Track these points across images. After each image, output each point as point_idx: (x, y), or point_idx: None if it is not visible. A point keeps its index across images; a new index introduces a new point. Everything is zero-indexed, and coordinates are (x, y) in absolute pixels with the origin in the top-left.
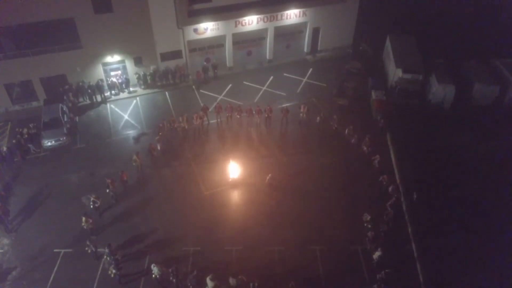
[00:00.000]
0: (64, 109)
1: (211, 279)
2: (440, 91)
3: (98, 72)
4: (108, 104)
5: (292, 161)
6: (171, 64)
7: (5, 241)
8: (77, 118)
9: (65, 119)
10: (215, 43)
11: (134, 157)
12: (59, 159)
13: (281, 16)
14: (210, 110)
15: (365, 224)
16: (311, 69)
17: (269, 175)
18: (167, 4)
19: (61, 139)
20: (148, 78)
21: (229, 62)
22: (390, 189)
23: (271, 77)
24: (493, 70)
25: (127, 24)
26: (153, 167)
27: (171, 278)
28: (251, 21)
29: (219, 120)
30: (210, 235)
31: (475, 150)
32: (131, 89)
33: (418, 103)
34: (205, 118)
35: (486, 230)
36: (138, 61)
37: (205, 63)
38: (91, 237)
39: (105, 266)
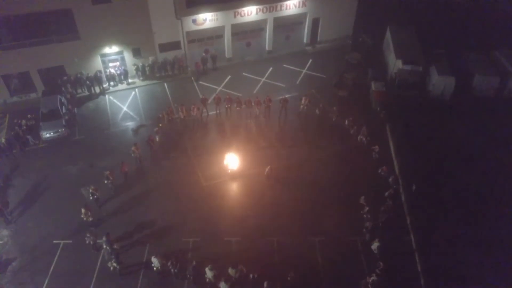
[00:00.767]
0: (63, 100)
1: (210, 269)
2: (440, 82)
3: (97, 63)
4: (106, 96)
5: (291, 152)
6: (170, 55)
7: (5, 232)
8: (75, 110)
9: (64, 111)
10: (214, 34)
11: (133, 147)
12: (58, 150)
13: (281, 6)
14: (209, 101)
15: (364, 216)
16: (310, 60)
17: (268, 167)
18: None
19: (59, 130)
20: (147, 69)
21: (228, 53)
22: (390, 180)
23: (271, 68)
24: (493, 62)
25: (125, 15)
26: (152, 159)
27: (170, 268)
28: (250, 12)
29: (218, 111)
30: (210, 226)
31: (474, 141)
32: (129, 80)
33: (418, 94)
34: (204, 109)
35: (485, 221)
36: (136, 52)
37: (204, 54)
38: (91, 228)
39: (105, 258)
